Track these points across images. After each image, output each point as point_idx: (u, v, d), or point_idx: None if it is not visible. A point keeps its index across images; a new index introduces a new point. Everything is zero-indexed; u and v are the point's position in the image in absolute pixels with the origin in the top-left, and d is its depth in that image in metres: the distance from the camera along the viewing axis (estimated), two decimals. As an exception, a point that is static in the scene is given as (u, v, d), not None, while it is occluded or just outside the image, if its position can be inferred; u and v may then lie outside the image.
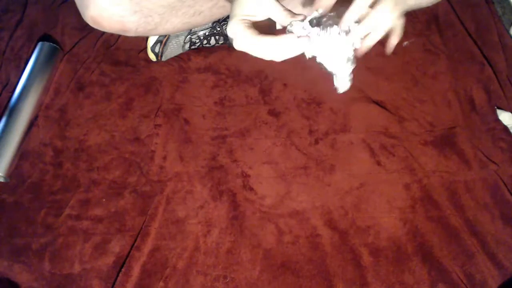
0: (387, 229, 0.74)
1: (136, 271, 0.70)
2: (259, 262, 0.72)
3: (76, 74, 0.93)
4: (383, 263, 0.71)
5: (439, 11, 1.00)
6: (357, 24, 0.54)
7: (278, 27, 0.59)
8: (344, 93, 0.57)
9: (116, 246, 0.73)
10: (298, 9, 0.76)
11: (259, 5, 0.52)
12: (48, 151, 0.83)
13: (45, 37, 0.97)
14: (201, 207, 0.77)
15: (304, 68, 0.93)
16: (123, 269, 0.71)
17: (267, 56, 0.53)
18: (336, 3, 0.54)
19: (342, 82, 0.56)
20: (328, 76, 0.57)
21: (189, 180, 0.80)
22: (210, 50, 0.95)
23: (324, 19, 0.54)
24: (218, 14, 0.80)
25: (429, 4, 0.76)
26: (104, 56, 0.95)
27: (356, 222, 0.75)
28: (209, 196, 0.78)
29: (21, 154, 0.83)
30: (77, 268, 0.71)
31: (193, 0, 0.73)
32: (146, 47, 0.92)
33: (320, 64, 0.55)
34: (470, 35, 0.96)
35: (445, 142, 0.83)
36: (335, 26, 0.53)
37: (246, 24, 0.52)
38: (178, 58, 0.94)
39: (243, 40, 0.52)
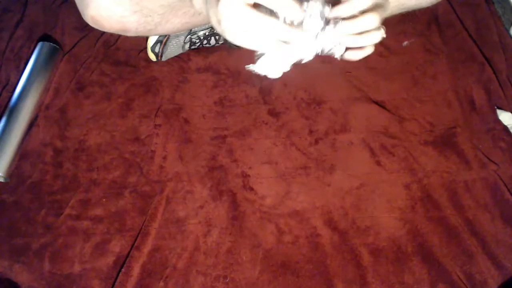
0: (387, 229, 0.74)
1: (136, 271, 0.70)
2: (259, 262, 0.72)
3: (76, 74, 0.93)
4: (383, 263, 0.71)
5: (439, 11, 1.00)
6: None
7: None
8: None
9: (116, 246, 0.73)
10: None
11: None
12: (48, 151, 0.83)
13: (45, 37, 0.97)
14: (201, 207, 0.77)
15: (304, 68, 0.93)
16: (123, 269, 0.71)
17: (259, 44, 0.46)
18: None
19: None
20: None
21: (189, 180, 0.80)
22: (210, 50, 0.95)
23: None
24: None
25: (429, 4, 0.76)
26: (104, 56, 0.95)
27: (356, 222, 0.75)
28: (209, 196, 0.78)
29: (21, 154, 0.83)
30: (77, 268, 0.71)
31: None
32: (146, 47, 0.92)
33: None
34: (470, 35, 0.96)
35: (445, 142, 0.83)
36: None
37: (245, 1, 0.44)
38: (178, 58, 0.94)
39: (240, 13, 0.44)
